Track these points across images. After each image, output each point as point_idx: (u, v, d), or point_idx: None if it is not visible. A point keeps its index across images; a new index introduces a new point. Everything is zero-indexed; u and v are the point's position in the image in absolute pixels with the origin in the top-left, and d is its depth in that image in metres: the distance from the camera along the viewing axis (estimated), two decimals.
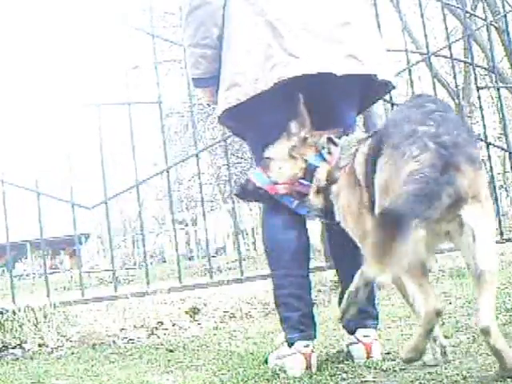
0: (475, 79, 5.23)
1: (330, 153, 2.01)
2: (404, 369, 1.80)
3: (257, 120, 2.13)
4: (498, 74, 7.04)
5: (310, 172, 2.04)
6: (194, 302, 3.83)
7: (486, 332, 1.51)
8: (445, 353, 1.85)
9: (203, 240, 17.19)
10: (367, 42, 2.20)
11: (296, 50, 2.00)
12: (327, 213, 2.03)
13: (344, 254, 2.17)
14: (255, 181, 2.09)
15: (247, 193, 2.15)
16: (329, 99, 2.13)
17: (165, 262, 22.74)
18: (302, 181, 2.05)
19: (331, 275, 3.80)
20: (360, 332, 2.05)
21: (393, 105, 4.42)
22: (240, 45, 2.08)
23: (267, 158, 2.08)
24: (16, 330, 3.16)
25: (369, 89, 2.24)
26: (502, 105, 5.20)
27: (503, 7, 5.39)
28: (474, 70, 5.25)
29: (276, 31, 2.02)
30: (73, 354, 2.89)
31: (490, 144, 4.65)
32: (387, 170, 1.61)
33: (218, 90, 2.16)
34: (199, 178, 4.22)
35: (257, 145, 2.18)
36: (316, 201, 2.06)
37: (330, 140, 2.02)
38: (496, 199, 5.68)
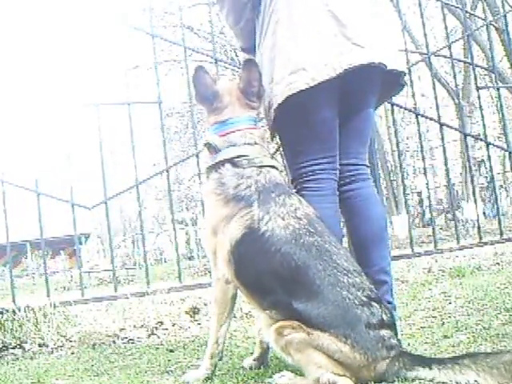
0: (475, 79, 5.23)
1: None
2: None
3: (308, 117, 2.15)
4: (498, 74, 7.05)
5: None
6: (193, 302, 3.82)
7: None
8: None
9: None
10: (399, 39, 2.37)
11: (360, 39, 2.08)
12: None
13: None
14: None
15: None
16: (362, 91, 2.23)
17: (165, 261, 22.76)
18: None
19: None
20: None
21: (393, 105, 4.42)
22: (303, 33, 2.11)
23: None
24: (16, 330, 3.16)
25: (386, 86, 2.31)
26: (501, 105, 5.20)
27: (503, 7, 5.39)
28: (473, 69, 5.24)
29: (339, 21, 2.09)
30: (73, 353, 2.89)
31: (489, 144, 4.65)
32: None
33: (273, 78, 2.15)
34: (199, 178, 4.21)
35: (305, 142, 2.17)
36: None
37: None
38: (496, 199, 5.69)
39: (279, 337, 1.72)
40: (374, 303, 1.73)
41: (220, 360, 2.01)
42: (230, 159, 2.00)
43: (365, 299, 1.72)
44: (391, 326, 1.74)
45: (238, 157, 2.00)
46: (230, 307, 1.98)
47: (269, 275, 1.80)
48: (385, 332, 1.69)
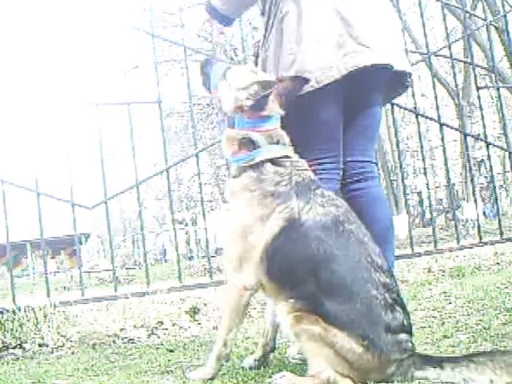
0: (475, 79, 5.24)
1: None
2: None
3: (312, 117, 2.15)
4: (498, 74, 7.06)
5: (230, 121, 2.00)
6: (194, 302, 3.82)
7: None
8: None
9: (203, 240, 17.20)
10: (402, 40, 2.37)
11: (366, 40, 2.07)
12: None
13: None
14: (214, 74, 2.04)
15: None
16: (367, 89, 2.22)
17: (165, 261, 22.77)
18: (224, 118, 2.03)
19: None
20: None
21: (393, 105, 4.42)
22: (309, 32, 2.09)
23: (225, 77, 2.00)
24: (16, 330, 3.16)
25: (391, 86, 2.32)
26: (501, 105, 5.20)
27: (503, 7, 5.39)
28: (473, 69, 5.25)
29: (345, 21, 2.07)
30: (73, 353, 2.89)
31: (489, 144, 4.65)
32: None
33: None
34: (199, 178, 4.21)
35: (307, 142, 2.16)
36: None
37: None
38: (496, 199, 5.69)
39: (296, 323, 1.68)
40: (398, 307, 1.70)
41: (227, 362, 2.00)
42: (272, 158, 1.92)
43: (391, 302, 1.69)
44: (409, 331, 1.72)
45: (282, 157, 1.93)
46: (242, 314, 1.91)
47: (305, 263, 1.74)
48: (403, 336, 1.67)
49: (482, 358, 1.56)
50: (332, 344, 1.63)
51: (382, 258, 1.79)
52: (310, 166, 2.16)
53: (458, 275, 4.22)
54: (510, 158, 4.68)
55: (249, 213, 1.86)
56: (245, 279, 1.85)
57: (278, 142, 1.97)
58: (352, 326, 1.64)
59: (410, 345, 1.69)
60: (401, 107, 5.24)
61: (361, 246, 1.77)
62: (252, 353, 2.21)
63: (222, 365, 1.98)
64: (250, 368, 2.08)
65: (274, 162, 1.92)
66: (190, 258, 18.47)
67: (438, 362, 1.63)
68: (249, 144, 1.95)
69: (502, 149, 5.75)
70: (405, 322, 1.70)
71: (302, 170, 1.93)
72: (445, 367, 1.59)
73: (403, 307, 1.74)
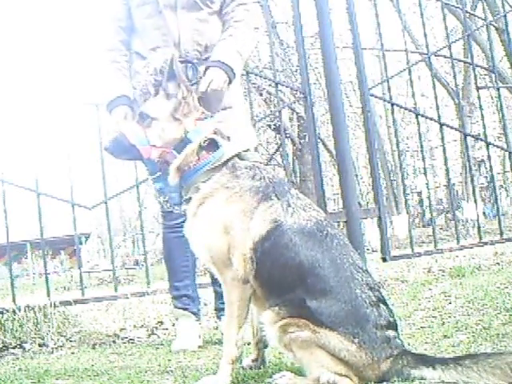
0: (475, 79, 5.24)
1: (223, 137, 1.97)
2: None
3: None
4: (498, 74, 7.05)
5: (184, 143, 1.94)
6: None
7: None
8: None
9: None
10: None
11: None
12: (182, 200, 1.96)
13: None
14: (131, 137, 1.97)
15: (120, 150, 2.02)
16: None
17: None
18: (173, 150, 1.94)
19: None
20: None
21: (393, 105, 4.42)
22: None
23: (149, 116, 1.96)
24: (16, 330, 3.16)
25: None
26: (501, 105, 5.20)
27: (503, 7, 5.39)
28: (473, 69, 5.25)
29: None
30: (73, 353, 2.89)
31: (489, 144, 4.65)
32: None
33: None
34: None
35: None
36: (174, 180, 1.97)
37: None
38: (496, 199, 5.69)
39: (283, 334, 1.69)
40: (382, 305, 1.73)
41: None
42: (238, 153, 1.95)
43: (375, 299, 1.72)
44: (395, 327, 1.74)
45: (243, 151, 1.97)
46: (248, 307, 1.89)
47: (293, 269, 1.75)
48: (390, 332, 1.70)
49: (467, 361, 1.58)
50: (324, 345, 1.64)
51: (361, 260, 1.83)
52: None
53: (458, 275, 4.22)
54: (509, 158, 4.68)
55: (229, 208, 1.84)
56: (239, 271, 1.82)
57: (229, 138, 1.98)
58: (341, 324, 1.65)
59: (399, 342, 1.71)
60: (401, 107, 5.24)
61: (342, 248, 1.80)
62: (251, 353, 2.21)
63: (240, 368, 1.94)
64: (250, 368, 2.07)
65: (239, 156, 1.94)
66: None
67: (430, 361, 1.65)
68: (209, 146, 1.94)
69: (502, 149, 5.75)
70: (390, 319, 1.72)
71: (261, 163, 1.97)
72: (436, 367, 1.61)
73: (386, 305, 1.76)
